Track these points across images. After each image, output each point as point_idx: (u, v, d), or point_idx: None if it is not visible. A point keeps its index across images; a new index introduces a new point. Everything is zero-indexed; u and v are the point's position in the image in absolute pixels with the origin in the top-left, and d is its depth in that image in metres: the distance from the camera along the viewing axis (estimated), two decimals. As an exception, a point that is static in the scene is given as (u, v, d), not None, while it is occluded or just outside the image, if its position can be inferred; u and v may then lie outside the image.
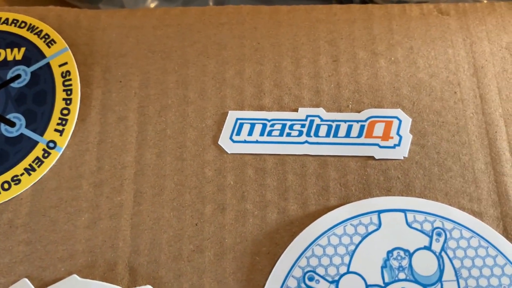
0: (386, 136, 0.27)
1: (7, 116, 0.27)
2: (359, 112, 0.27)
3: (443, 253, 0.25)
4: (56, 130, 0.27)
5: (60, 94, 0.28)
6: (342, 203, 0.26)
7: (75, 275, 0.24)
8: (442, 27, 0.29)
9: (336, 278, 0.24)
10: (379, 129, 0.27)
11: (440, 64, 0.28)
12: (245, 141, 0.27)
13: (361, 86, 0.28)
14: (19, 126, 0.27)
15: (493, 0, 0.32)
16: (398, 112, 0.27)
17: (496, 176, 0.26)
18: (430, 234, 0.25)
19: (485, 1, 0.32)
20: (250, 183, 0.26)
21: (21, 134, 0.27)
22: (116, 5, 0.40)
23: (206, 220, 0.25)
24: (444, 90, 0.28)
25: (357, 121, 0.27)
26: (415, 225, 0.25)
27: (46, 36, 0.29)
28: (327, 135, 0.27)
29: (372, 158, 0.26)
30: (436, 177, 0.26)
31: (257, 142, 0.27)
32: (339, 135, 0.27)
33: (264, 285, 0.24)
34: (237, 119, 0.27)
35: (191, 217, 0.25)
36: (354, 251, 0.25)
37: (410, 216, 0.25)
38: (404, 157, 0.26)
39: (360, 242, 0.25)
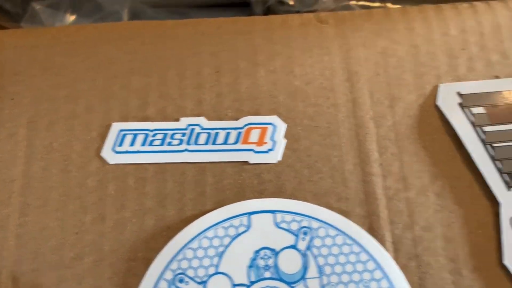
0: (261, 141, 0.28)
1: None
2: (237, 119, 0.29)
3: (308, 252, 0.26)
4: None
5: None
6: (217, 207, 0.27)
7: (-41, 286, 0.26)
8: (320, 36, 0.30)
9: (205, 279, 0.25)
10: (255, 135, 0.28)
11: (316, 71, 0.30)
12: (127, 152, 0.28)
13: (241, 95, 0.29)
14: None
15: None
16: (274, 118, 0.29)
17: (364, 176, 0.28)
18: (297, 233, 0.26)
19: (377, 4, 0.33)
20: (130, 192, 0.27)
21: None
22: (37, 22, 0.42)
23: (86, 229, 0.27)
24: (318, 96, 0.29)
25: (235, 128, 0.29)
26: (283, 225, 0.26)
27: None
28: (206, 142, 0.28)
29: (247, 163, 0.28)
30: (306, 179, 0.27)
31: (138, 152, 0.28)
32: (217, 142, 0.28)
33: (138, 288, 0.25)
34: (120, 130, 0.29)
35: (73, 226, 0.27)
36: (223, 252, 0.26)
37: (278, 217, 0.27)
38: (278, 161, 0.28)
39: (229, 243, 0.26)
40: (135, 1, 0.40)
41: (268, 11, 0.38)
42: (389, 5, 0.39)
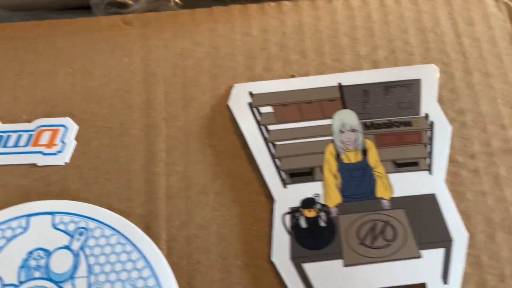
0: (51, 143, 0.29)
1: None
2: (31, 122, 0.29)
3: (81, 251, 0.26)
4: None
5: None
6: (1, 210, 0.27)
7: None
8: (124, 37, 0.31)
9: (-27, 281, 0.26)
10: (45, 137, 0.29)
11: (114, 72, 0.30)
12: None
13: (37, 97, 0.30)
14: None
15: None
16: (66, 120, 0.29)
17: (149, 175, 0.28)
18: (72, 234, 0.27)
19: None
20: None
21: None
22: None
23: None
24: (114, 97, 0.29)
25: (27, 131, 0.29)
26: (60, 226, 0.27)
27: None
28: (-1, 146, 0.29)
29: (35, 165, 0.28)
30: (92, 180, 0.28)
31: None
32: (8, 145, 0.29)
33: None
34: None
35: None
36: (-3, 254, 0.26)
37: (57, 218, 0.27)
38: (65, 162, 0.28)
39: (4, 245, 0.26)
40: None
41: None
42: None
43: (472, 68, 0.30)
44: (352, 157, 0.28)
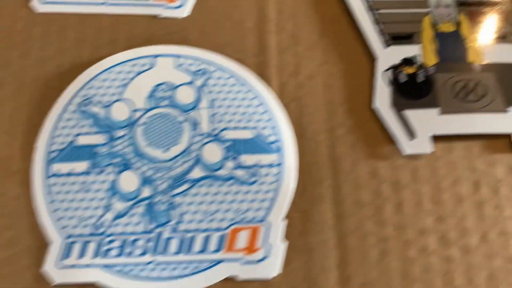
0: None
1: None
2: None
3: (202, 88, 0.29)
4: None
5: None
6: (128, 51, 0.30)
7: None
8: None
9: (108, 104, 0.29)
10: None
11: None
12: (54, 2, 0.32)
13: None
14: None
15: None
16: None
17: (260, 33, 0.31)
18: (194, 73, 0.30)
19: None
20: (52, 36, 0.31)
21: None
22: None
23: (11, 63, 0.30)
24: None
25: None
26: (183, 67, 0.30)
27: None
28: None
29: (157, 16, 0.31)
30: (210, 32, 0.31)
31: (63, 3, 0.32)
32: (134, -2, 0.32)
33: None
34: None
35: (-2, 60, 0.30)
36: (127, 84, 0.29)
37: (180, 60, 0.30)
38: (186, 15, 0.31)
39: (134, 77, 0.29)
40: None
41: None
42: None
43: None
44: (447, 28, 0.31)
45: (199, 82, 0.29)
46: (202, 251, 0.26)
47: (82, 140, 0.28)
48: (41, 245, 0.26)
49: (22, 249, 0.26)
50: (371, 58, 0.30)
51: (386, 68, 0.30)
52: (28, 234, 0.26)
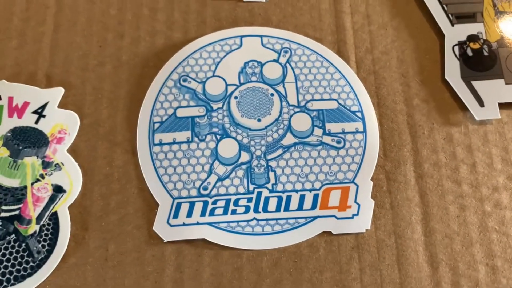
0: (253, -16, 0.34)
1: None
2: (234, -32, 0.35)
3: (287, 64, 0.32)
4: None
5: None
6: (215, 33, 0.33)
7: (3, 80, 0.31)
8: None
9: (204, 79, 0.31)
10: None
11: None
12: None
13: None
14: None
15: None
16: (264, -32, 0.35)
17: (337, 13, 0.34)
18: (279, 51, 0.32)
19: None
20: (144, 17, 0.33)
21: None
22: None
23: (108, 43, 0.33)
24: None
25: (232, -26, 0.35)
26: (268, 45, 0.32)
27: None
28: None
29: (241, 0, 0.34)
30: (290, 14, 0.34)
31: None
32: None
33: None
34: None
35: (96, 41, 0.33)
36: (219, 62, 0.32)
37: (265, 40, 0.33)
38: (267, 0, 0.34)
39: (224, 56, 0.32)
40: None
41: None
42: None
43: None
44: (506, 7, 0.34)
45: (284, 59, 0.32)
46: (299, 209, 0.29)
47: (182, 112, 0.31)
48: (150, 207, 0.29)
49: (132, 211, 0.29)
50: (439, 36, 0.33)
51: (454, 44, 0.32)
52: (138, 198, 0.29)
